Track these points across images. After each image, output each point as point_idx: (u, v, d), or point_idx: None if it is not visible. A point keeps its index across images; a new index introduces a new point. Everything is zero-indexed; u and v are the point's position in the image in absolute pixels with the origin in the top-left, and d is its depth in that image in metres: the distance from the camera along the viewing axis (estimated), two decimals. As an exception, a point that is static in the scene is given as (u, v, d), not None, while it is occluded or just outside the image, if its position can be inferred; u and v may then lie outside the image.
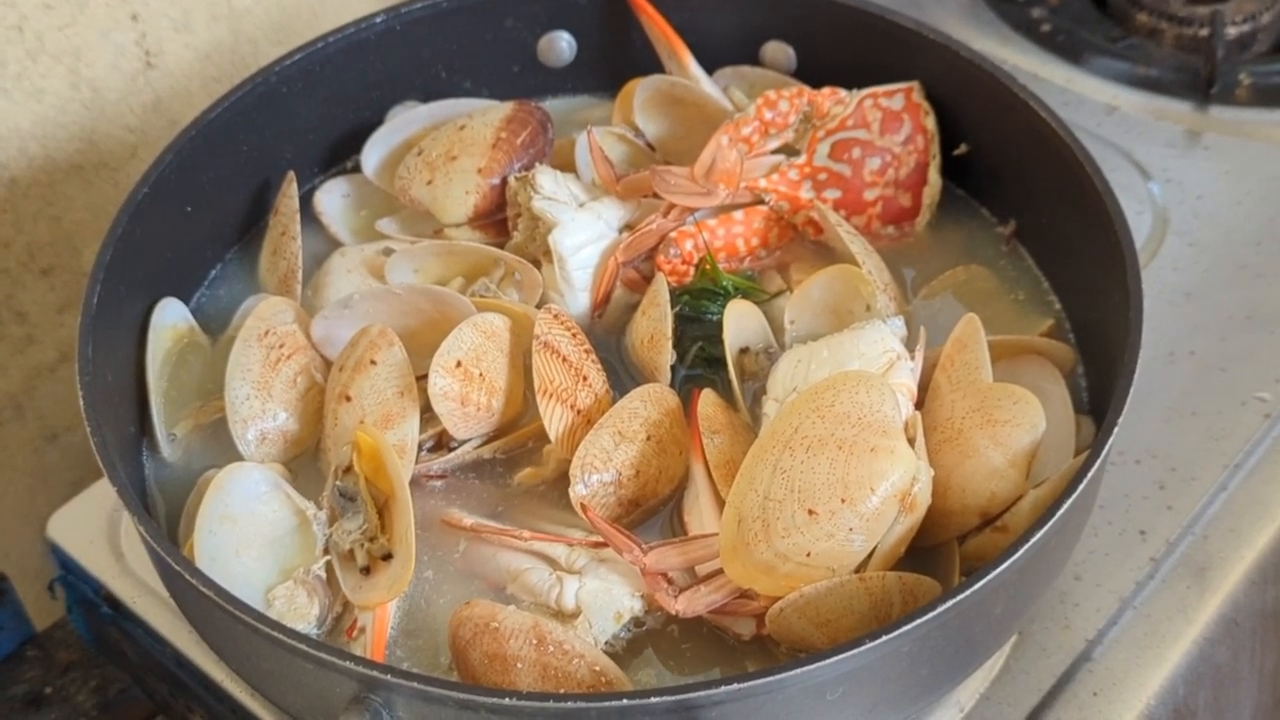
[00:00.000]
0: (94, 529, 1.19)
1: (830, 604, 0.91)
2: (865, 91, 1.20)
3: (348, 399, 1.05)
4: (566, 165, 1.20)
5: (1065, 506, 0.89)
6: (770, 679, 0.82)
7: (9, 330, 1.39)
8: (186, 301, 1.17)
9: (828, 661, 0.82)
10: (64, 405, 1.46)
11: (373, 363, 1.05)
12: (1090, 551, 1.11)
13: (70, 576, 1.19)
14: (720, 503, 0.99)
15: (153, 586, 1.14)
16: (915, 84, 1.21)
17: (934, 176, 1.21)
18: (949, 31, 1.21)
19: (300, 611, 0.98)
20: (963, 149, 1.22)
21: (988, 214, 1.23)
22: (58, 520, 1.20)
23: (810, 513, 0.91)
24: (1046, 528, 0.88)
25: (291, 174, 1.22)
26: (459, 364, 1.04)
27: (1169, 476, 1.15)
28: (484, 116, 1.22)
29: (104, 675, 1.23)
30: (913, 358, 1.02)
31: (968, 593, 0.85)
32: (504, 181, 1.18)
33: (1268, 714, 1.21)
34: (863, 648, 0.82)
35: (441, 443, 1.07)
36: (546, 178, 1.15)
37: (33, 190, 1.35)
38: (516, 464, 1.07)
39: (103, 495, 1.21)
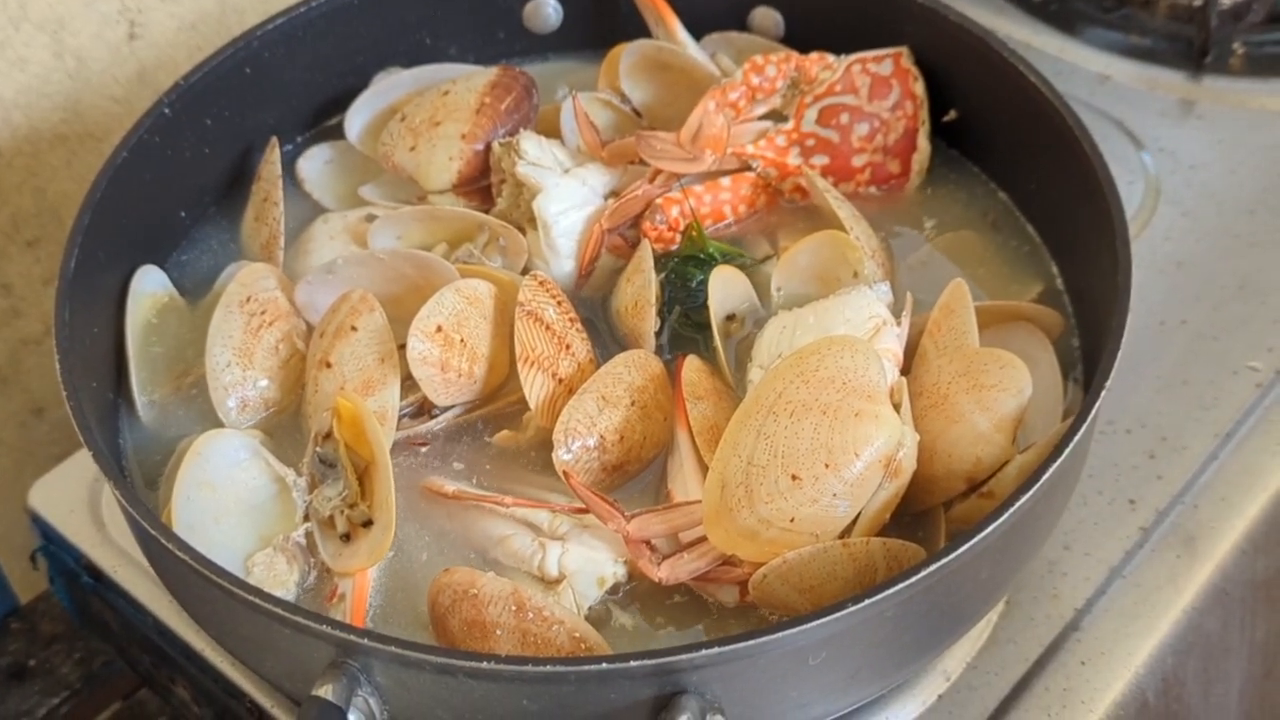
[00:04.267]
0: (75, 499, 1.18)
1: (814, 570, 0.90)
2: (853, 57, 1.19)
3: (328, 365, 1.04)
4: (551, 131, 1.19)
5: (1051, 471, 0.88)
6: (751, 642, 0.81)
7: (-6, 302, 1.38)
8: (167, 267, 1.16)
9: (810, 625, 0.81)
10: (50, 379, 1.43)
11: (353, 329, 1.04)
12: (1079, 520, 1.10)
13: (52, 547, 1.19)
14: (704, 469, 0.98)
15: (134, 556, 1.13)
16: (904, 49, 1.20)
17: (923, 142, 1.19)
18: (940, -1, 1.20)
19: (279, 578, 0.97)
20: (952, 115, 1.21)
21: (978, 179, 1.22)
22: (39, 490, 1.20)
23: (794, 478, 0.90)
24: (1032, 492, 0.87)
25: (274, 139, 1.20)
26: (439, 329, 1.03)
27: (1159, 446, 1.14)
28: (468, 82, 1.20)
29: (88, 648, 1.23)
30: (899, 323, 1.01)
31: (951, 557, 0.84)
32: (488, 147, 1.17)
33: (1257, 684, 1.21)
34: (845, 611, 0.81)
35: (423, 409, 1.06)
36: (531, 143, 1.14)
37: (16, 161, 1.34)
38: (500, 431, 1.06)
39: (84, 465, 1.20)
